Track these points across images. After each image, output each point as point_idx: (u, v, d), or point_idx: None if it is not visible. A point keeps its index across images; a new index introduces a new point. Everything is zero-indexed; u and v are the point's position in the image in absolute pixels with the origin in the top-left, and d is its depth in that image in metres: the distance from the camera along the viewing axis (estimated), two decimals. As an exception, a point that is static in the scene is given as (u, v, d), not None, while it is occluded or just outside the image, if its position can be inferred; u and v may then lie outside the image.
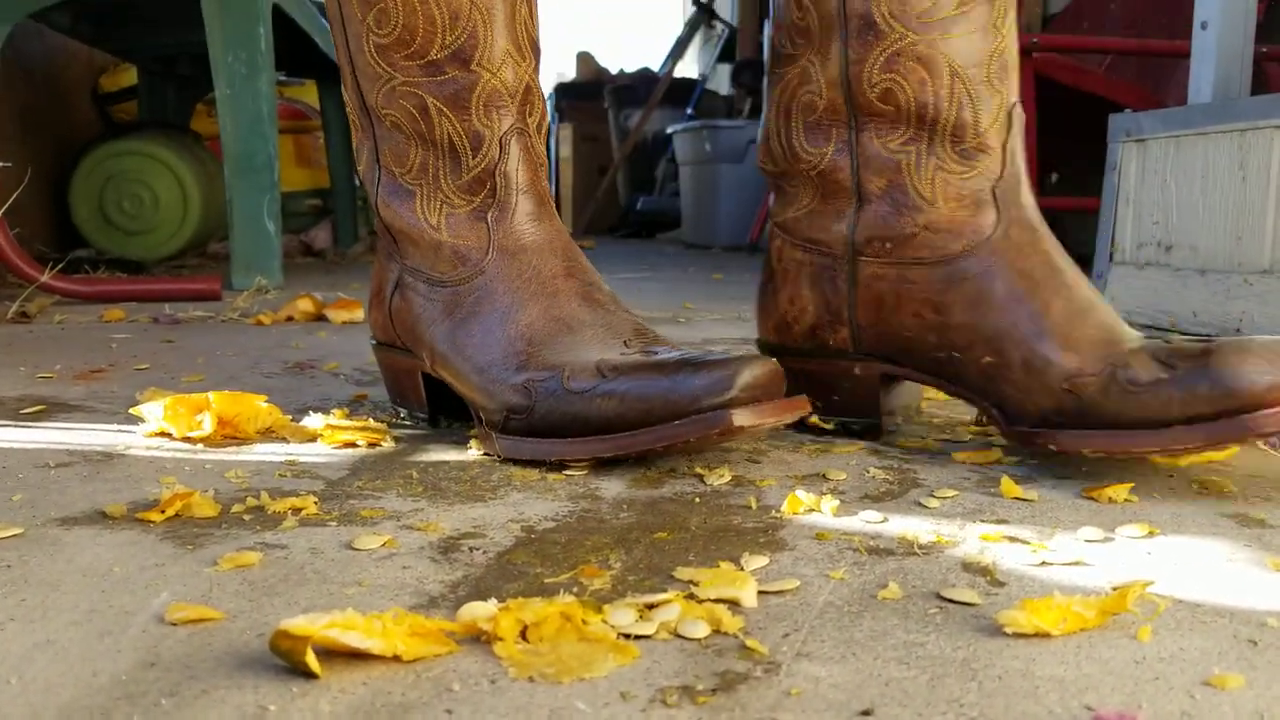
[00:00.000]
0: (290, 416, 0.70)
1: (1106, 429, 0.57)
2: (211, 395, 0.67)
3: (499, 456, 0.62)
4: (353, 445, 0.65)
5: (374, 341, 0.74)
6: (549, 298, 0.64)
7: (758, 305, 0.72)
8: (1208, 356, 0.55)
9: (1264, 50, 2.06)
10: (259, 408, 0.67)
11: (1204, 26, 1.38)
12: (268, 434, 0.68)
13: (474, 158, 0.65)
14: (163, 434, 0.67)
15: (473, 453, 0.64)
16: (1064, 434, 0.58)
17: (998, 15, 0.63)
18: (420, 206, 0.67)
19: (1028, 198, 0.64)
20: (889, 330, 0.65)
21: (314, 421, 0.69)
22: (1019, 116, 0.64)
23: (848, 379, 0.68)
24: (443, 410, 0.72)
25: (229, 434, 0.66)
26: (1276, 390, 0.54)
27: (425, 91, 0.64)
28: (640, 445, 0.58)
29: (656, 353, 0.60)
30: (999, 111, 0.63)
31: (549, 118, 0.66)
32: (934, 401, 0.81)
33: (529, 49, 0.66)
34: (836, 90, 0.65)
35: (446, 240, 0.66)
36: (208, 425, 0.65)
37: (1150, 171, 1.40)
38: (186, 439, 0.66)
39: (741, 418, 0.56)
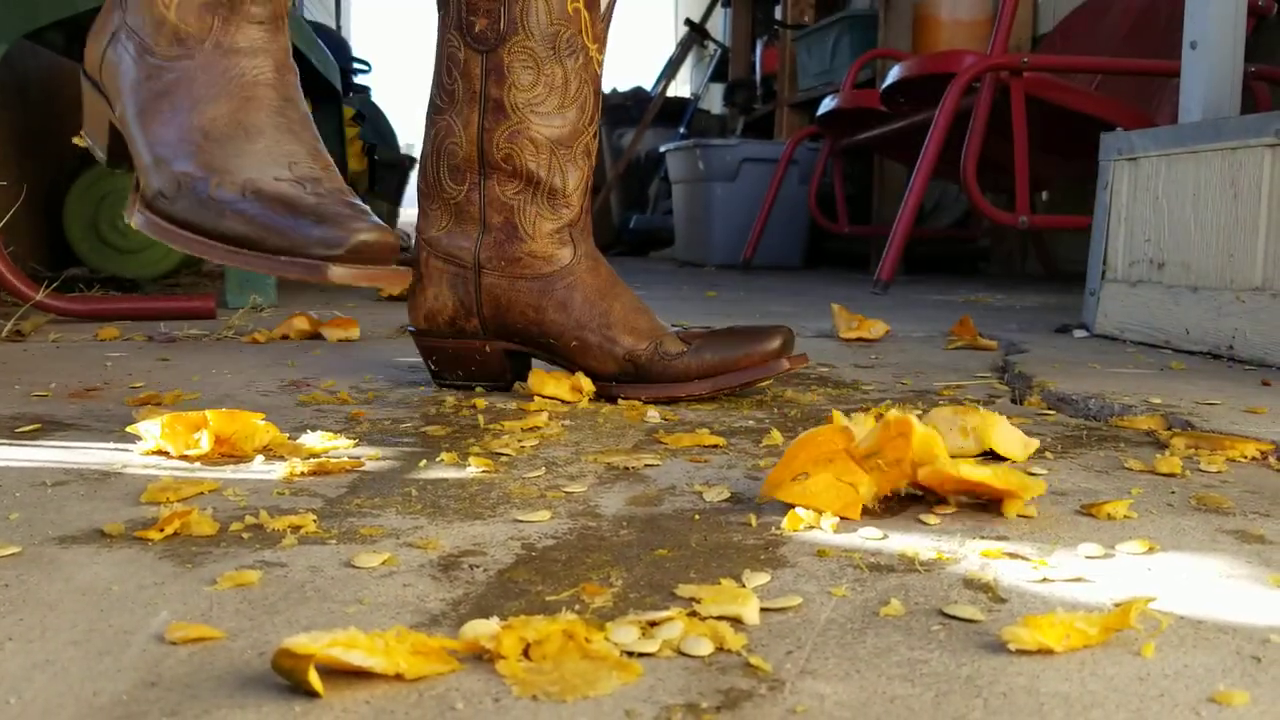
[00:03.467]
0: (287, 435, 0.70)
1: (653, 383, 0.87)
2: (209, 413, 0.66)
3: (137, 224, 0.72)
4: (327, 472, 0.63)
5: (83, 72, 0.79)
6: (242, 101, 0.71)
7: (409, 301, 0.93)
8: (710, 337, 0.88)
9: (1253, 70, 2.08)
10: (256, 426, 0.67)
11: (1194, 46, 1.39)
12: (266, 452, 0.67)
13: None
14: (160, 452, 0.67)
15: (471, 470, 0.64)
16: (627, 387, 0.88)
17: (585, 118, 0.89)
18: None
19: (589, 240, 0.92)
20: (505, 321, 0.90)
21: (312, 440, 0.69)
22: (590, 183, 0.91)
23: (480, 354, 0.92)
24: (124, 157, 0.77)
25: (227, 452, 0.66)
26: (750, 357, 0.87)
27: None
28: (248, 263, 0.68)
29: (305, 188, 0.69)
30: (581, 180, 0.90)
31: None
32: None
33: None
34: (473, 147, 0.88)
35: (172, 20, 0.72)
36: (205, 443, 0.65)
37: (1142, 189, 1.40)
38: (184, 457, 0.66)
39: (338, 273, 0.67)
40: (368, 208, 0.71)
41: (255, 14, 0.72)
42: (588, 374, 0.89)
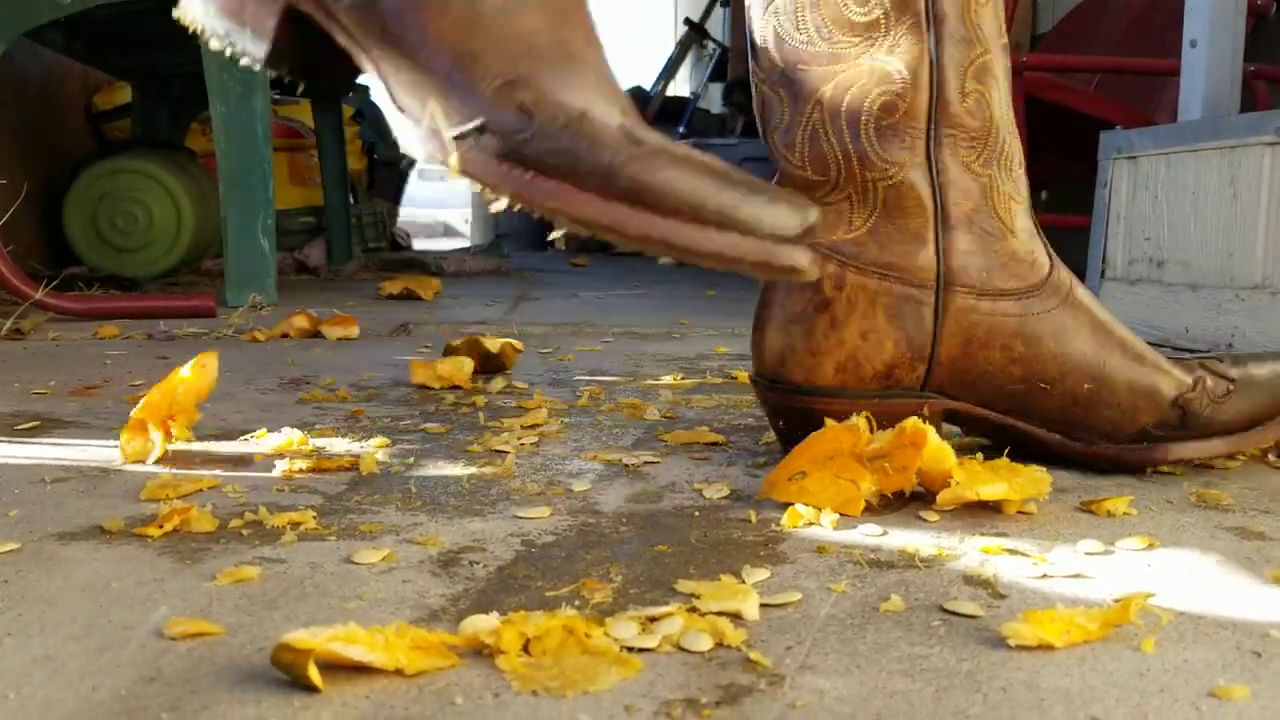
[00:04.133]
0: (283, 435, 0.70)
1: (1202, 438, 0.62)
2: (145, 396, 0.65)
3: (457, 168, 0.48)
4: (327, 469, 0.63)
5: None
6: (558, 14, 0.50)
7: (802, 343, 0.62)
8: (1247, 364, 0.64)
9: (1252, 69, 2.08)
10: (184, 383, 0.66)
11: (1193, 44, 1.39)
12: (273, 455, 0.67)
13: None
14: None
15: (471, 467, 0.64)
16: (1178, 445, 0.62)
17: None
18: None
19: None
20: (969, 367, 0.61)
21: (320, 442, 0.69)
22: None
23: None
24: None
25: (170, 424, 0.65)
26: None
27: None
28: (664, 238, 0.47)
29: (650, 137, 0.48)
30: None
31: None
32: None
33: None
34: (922, 94, 0.59)
35: None
36: (156, 447, 0.64)
37: (1141, 188, 1.40)
38: (163, 461, 0.65)
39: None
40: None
41: None
42: (1078, 436, 0.63)
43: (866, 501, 0.54)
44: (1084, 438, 0.63)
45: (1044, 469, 0.55)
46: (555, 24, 0.49)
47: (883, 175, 0.60)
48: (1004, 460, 0.56)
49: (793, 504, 0.53)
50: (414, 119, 0.49)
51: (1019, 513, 0.55)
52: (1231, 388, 0.62)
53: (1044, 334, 0.61)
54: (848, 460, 0.52)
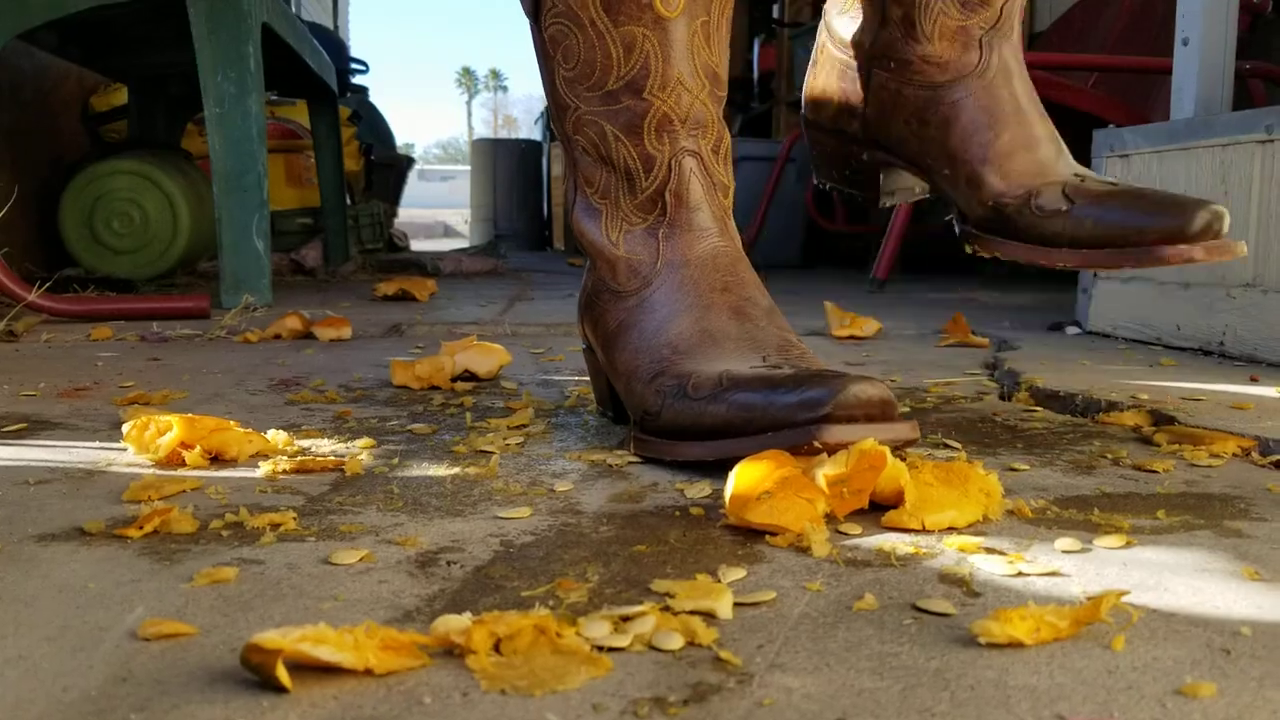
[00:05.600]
0: (268, 435, 0.70)
1: (1013, 240, 0.73)
2: (174, 419, 0.65)
3: (639, 456, 0.67)
4: (311, 470, 0.63)
5: (584, 346, 0.78)
6: (702, 310, 0.68)
7: (805, 84, 0.87)
8: (1103, 197, 0.70)
9: (1248, 66, 2.08)
10: (237, 435, 0.66)
11: (1185, 43, 1.39)
12: (258, 456, 0.67)
13: (646, 179, 0.70)
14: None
15: (455, 468, 0.64)
16: (985, 239, 0.75)
17: None
18: (604, 224, 0.72)
19: (1013, 50, 0.76)
20: (887, 129, 0.79)
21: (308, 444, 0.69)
22: None
23: (856, 160, 0.83)
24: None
25: (208, 455, 0.66)
26: (1148, 234, 0.68)
27: (604, 119, 0.70)
28: (734, 451, 0.59)
29: (781, 367, 0.63)
30: None
31: (728, 141, 0.73)
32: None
33: (704, 77, 0.69)
34: None
35: (622, 255, 0.71)
36: (164, 447, 0.64)
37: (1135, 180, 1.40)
38: (158, 463, 0.65)
39: (833, 433, 0.56)
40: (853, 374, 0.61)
41: (692, 222, 0.70)
42: (956, 210, 0.78)
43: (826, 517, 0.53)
44: (959, 210, 0.77)
45: (995, 474, 0.55)
46: (698, 319, 0.67)
47: None
48: (959, 465, 0.55)
49: (766, 532, 0.51)
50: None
51: (997, 509, 0.55)
52: (1066, 207, 0.70)
53: (930, 120, 0.76)
54: (804, 481, 0.52)
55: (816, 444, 0.56)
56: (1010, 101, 0.75)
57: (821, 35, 0.84)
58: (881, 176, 0.82)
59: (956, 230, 0.78)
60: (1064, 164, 0.74)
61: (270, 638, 0.34)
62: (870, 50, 0.79)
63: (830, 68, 0.83)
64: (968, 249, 0.77)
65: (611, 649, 0.37)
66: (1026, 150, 0.74)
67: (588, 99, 0.70)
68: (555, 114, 0.73)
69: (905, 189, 0.85)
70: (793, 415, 0.58)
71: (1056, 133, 0.76)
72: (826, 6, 0.84)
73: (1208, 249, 0.67)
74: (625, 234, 0.71)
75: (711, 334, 0.66)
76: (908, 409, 0.85)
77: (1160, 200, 0.69)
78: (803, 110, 0.87)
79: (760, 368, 0.63)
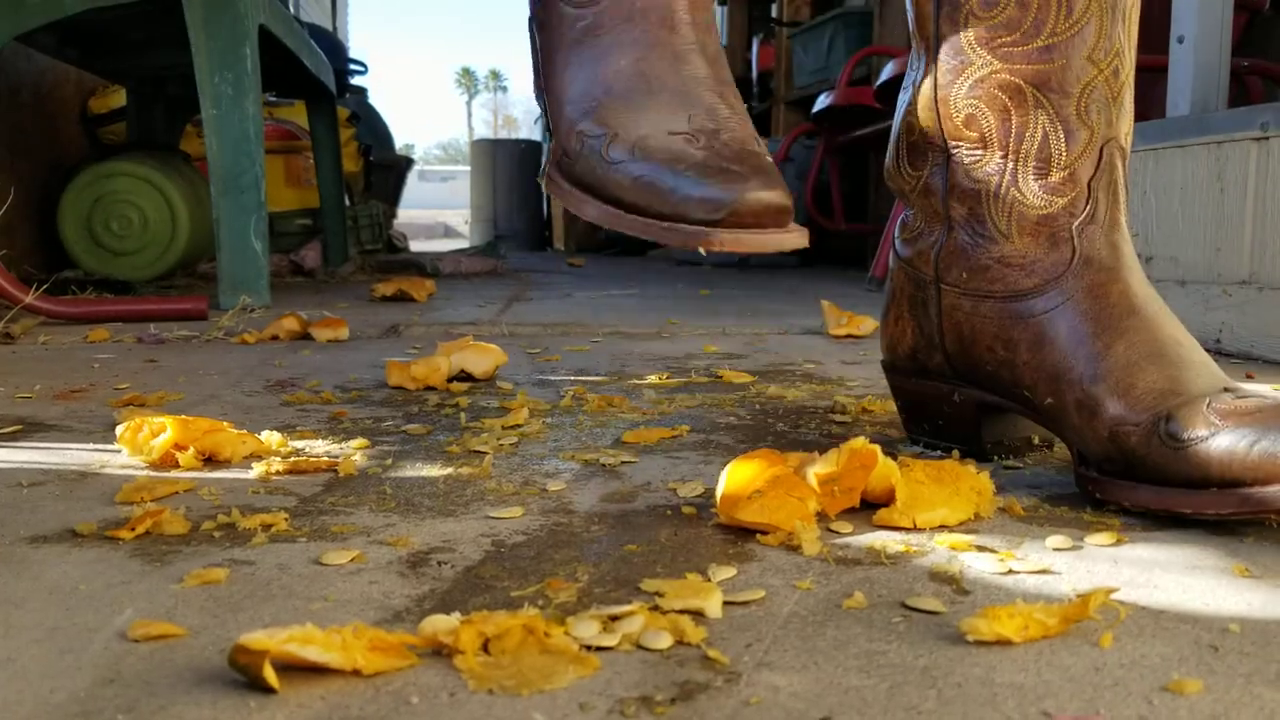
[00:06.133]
0: (263, 436, 0.70)
1: (1151, 483, 0.54)
2: (168, 420, 0.65)
3: (546, 186, 0.68)
4: (304, 471, 0.63)
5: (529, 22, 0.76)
6: (645, 49, 0.66)
7: (880, 324, 0.73)
8: (1255, 416, 0.51)
9: (1245, 64, 2.08)
10: (230, 436, 0.66)
11: (1180, 40, 1.39)
12: (252, 457, 0.67)
13: None
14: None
15: (448, 468, 0.64)
16: (1111, 483, 0.55)
17: (1096, 44, 0.60)
18: None
19: (1114, 239, 0.61)
20: (972, 361, 0.64)
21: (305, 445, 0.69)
22: (1113, 154, 0.61)
23: (947, 404, 0.67)
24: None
25: (202, 456, 0.66)
26: None
27: None
28: (631, 228, 0.61)
29: (697, 141, 0.63)
30: (1087, 145, 0.61)
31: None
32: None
33: None
34: (931, 113, 0.64)
35: None
36: (158, 448, 0.64)
37: (1130, 184, 1.40)
38: (153, 464, 0.65)
39: (721, 238, 0.58)
40: (768, 157, 0.63)
41: None
42: (1074, 451, 0.59)
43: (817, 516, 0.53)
44: (1076, 452, 0.59)
45: (986, 472, 0.55)
46: (638, 60, 0.65)
47: (910, 187, 0.68)
48: (950, 464, 0.55)
49: (757, 531, 0.51)
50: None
51: (989, 508, 0.55)
52: (1207, 431, 0.52)
53: (1020, 340, 0.61)
54: (795, 479, 0.52)
55: (703, 248, 0.58)
56: (1123, 302, 0.59)
57: (895, 265, 0.70)
58: (983, 422, 0.66)
59: (1075, 479, 0.59)
60: (1209, 376, 0.56)
61: (257, 638, 0.34)
62: (938, 264, 0.66)
63: (900, 297, 0.69)
64: (1097, 497, 0.57)
65: (600, 648, 0.38)
66: (1150, 361, 0.56)
67: None
68: None
69: (1020, 437, 0.68)
70: (690, 211, 0.59)
71: (1196, 342, 0.59)
72: (897, 228, 0.71)
73: None
74: None
75: (647, 79, 0.65)
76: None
77: None
78: (880, 357, 0.73)
79: (678, 136, 0.63)
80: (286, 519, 0.53)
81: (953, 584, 0.45)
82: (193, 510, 0.55)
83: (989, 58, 0.61)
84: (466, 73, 46.78)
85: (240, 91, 1.71)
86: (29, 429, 0.76)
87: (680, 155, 0.61)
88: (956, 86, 0.63)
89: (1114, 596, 0.42)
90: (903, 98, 0.67)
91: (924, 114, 0.65)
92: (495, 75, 47.76)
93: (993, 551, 0.49)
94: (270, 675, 0.34)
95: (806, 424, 0.79)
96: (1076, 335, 0.59)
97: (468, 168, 8.34)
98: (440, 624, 0.38)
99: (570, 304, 1.91)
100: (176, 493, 0.58)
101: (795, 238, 0.61)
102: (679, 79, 0.65)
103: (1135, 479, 0.54)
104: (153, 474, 0.63)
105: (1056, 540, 0.50)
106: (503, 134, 37.15)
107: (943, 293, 0.65)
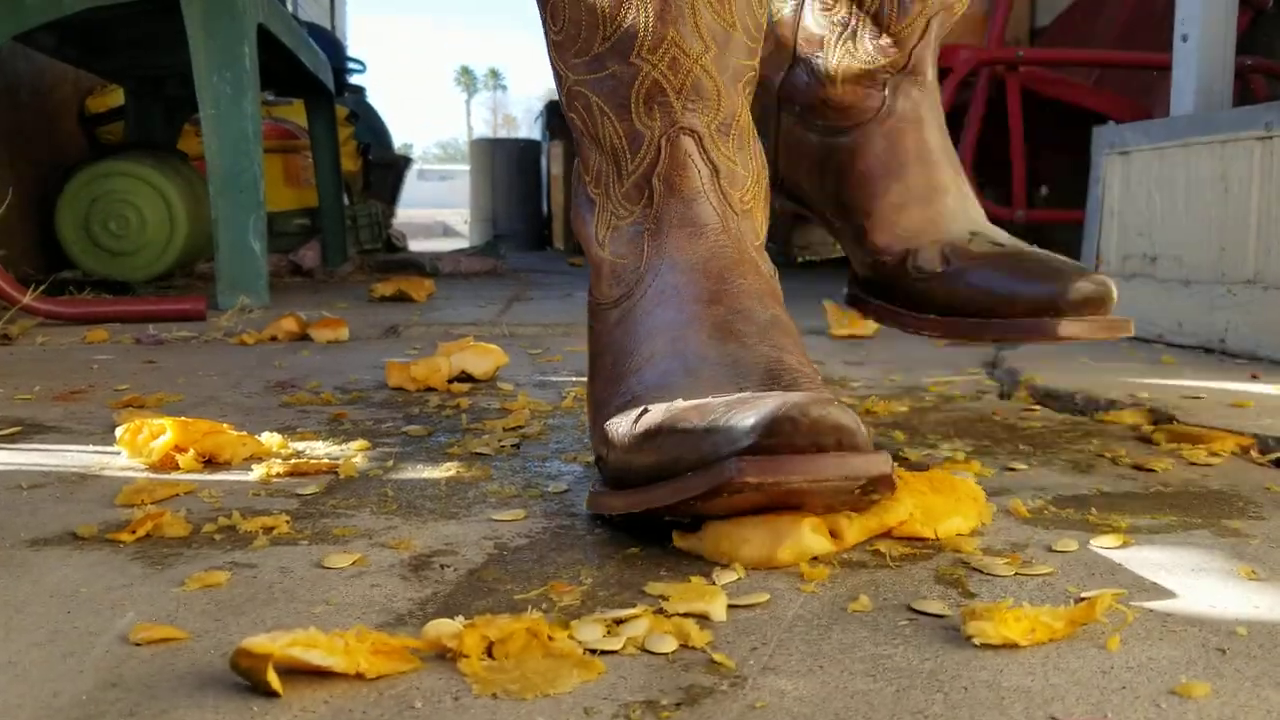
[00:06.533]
0: (263, 438, 0.70)
1: (895, 304, 0.67)
2: (168, 422, 0.64)
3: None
4: (305, 473, 0.63)
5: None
6: (681, 327, 0.54)
7: None
8: (981, 259, 0.64)
9: (1249, 63, 2.08)
10: (231, 438, 0.65)
11: (1185, 39, 1.39)
12: (252, 459, 0.67)
13: (632, 161, 0.57)
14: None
15: (450, 470, 0.64)
16: (865, 301, 0.69)
17: None
18: (596, 220, 0.60)
19: (926, 96, 0.71)
20: (795, 180, 0.74)
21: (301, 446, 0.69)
22: (936, 27, 0.70)
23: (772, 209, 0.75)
24: None
25: (208, 456, 0.65)
26: (1018, 303, 0.63)
27: (590, 90, 0.57)
28: (647, 503, 0.48)
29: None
30: (917, 17, 0.69)
31: (747, 119, 0.60)
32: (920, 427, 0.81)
33: (708, 38, 0.56)
34: None
35: (607, 258, 0.59)
36: (157, 450, 0.63)
37: (1134, 183, 1.40)
38: (152, 466, 0.64)
39: (753, 471, 0.43)
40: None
41: (697, 217, 0.56)
42: (850, 270, 0.73)
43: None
44: (850, 270, 0.72)
45: (971, 478, 0.55)
46: (673, 341, 0.54)
47: (775, 16, 0.75)
48: (940, 473, 0.54)
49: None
50: None
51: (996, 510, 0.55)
52: (941, 270, 0.63)
53: (827, 171, 0.71)
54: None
55: (736, 483, 0.43)
56: (914, 151, 0.68)
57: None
58: (794, 230, 0.77)
59: (844, 293, 0.74)
60: (963, 221, 0.67)
61: (260, 642, 0.34)
62: (779, 91, 0.74)
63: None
64: (857, 313, 0.72)
65: (604, 652, 0.37)
66: (921, 204, 0.68)
67: (575, 66, 0.57)
68: (556, 89, 0.61)
69: (819, 243, 0.80)
70: (714, 449, 0.45)
71: (968, 188, 0.70)
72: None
73: (1089, 326, 0.61)
74: (613, 232, 0.58)
75: (685, 359, 0.52)
76: (905, 408, 0.85)
77: (1040, 266, 0.64)
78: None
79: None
80: (288, 521, 0.52)
81: (958, 587, 0.44)
82: (193, 513, 0.55)
83: None
84: (465, 71, 46.78)
85: (239, 91, 1.71)
86: (28, 430, 0.76)
87: (706, 403, 0.48)
88: None
89: (1120, 599, 0.42)
90: None
91: None
92: (494, 74, 47.76)
93: (998, 554, 0.48)
94: (273, 679, 0.34)
95: (809, 424, 0.79)
96: (866, 174, 0.70)
97: (467, 167, 8.34)
98: (444, 627, 0.37)
99: (571, 304, 1.91)
100: (177, 495, 0.58)
101: (880, 461, 0.47)
102: (722, 353, 0.53)
103: (890, 300, 0.68)
104: (153, 476, 0.62)
105: (1062, 543, 0.50)
106: (502, 133, 37.15)
107: (781, 117, 0.75)
